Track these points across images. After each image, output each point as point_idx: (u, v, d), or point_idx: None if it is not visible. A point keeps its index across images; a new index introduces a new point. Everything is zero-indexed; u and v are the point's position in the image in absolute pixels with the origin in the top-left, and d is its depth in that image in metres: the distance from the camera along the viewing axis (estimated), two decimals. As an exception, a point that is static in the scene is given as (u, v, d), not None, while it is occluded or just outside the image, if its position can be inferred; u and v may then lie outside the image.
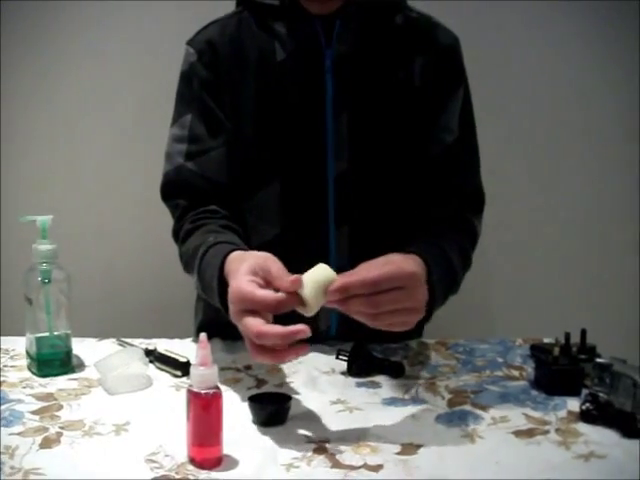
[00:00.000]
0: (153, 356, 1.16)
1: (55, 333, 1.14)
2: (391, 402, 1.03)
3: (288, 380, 1.11)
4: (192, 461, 0.85)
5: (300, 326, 0.88)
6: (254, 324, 0.90)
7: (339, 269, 1.15)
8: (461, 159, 1.29)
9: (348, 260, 1.21)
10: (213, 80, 1.25)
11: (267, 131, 1.23)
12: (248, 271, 0.94)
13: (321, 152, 1.22)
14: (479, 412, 0.99)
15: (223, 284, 1.03)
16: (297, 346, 0.90)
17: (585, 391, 1.00)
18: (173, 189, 1.27)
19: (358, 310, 0.93)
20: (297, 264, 0.99)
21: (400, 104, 1.24)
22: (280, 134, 1.23)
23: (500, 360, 1.20)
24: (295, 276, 0.92)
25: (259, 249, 1.06)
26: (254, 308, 0.91)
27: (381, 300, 0.92)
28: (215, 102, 1.25)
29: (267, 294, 0.91)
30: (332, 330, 1.28)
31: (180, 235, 1.24)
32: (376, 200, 1.25)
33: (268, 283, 0.94)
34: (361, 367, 1.13)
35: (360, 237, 1.24)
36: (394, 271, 0.94)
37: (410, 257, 1.02)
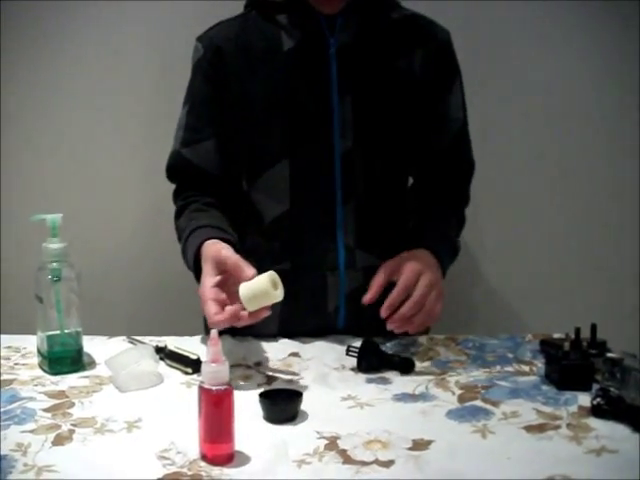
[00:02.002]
0: (163, 353, 1.17)
1: (66, 331, 1.15)
2: (401, 398, 1.03)
3: (298, 376, 1.12)
4: (204, 457, 0.85)
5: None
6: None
7: (346, 243, 1.29)
8: (463, 141, 1.40)
9: (354, 235, 1.29)
10: (216, 75, 1.30)
11: (276, 114, 1.28)
12: (208, 274, 1.09)
13: (328, 132, 1.27)
14: (490, 407, 0.99)
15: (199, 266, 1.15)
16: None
17: (596, 386, 1.00)
18: (171, 171, 1.37)
19: (414, 314, 1.13)
20: (306, 239, 1.27)
21: (400, 87, 1.30)
22: (289, 116, 1.28)
23: (510, 356, 1.20)
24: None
25: (270, 225, 1.30)
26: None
27: (421, 294, 1.13)
28: (217, 95, 1.30)
29: (210, 310, 1.05)
30: (340, 324, 1.29)
31: (175, 211, 1.35)
32: (380, 176, 1.32)
33: (226, 271, 1.09)
34: (371, 363, 1.13)
35: (366, 212, 1.29)
36: (414, 266, 1.16)
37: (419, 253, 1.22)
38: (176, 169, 1.35)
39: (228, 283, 1.08)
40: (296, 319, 1.29)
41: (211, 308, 1.04)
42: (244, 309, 1.04)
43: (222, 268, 1.09)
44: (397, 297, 1.13)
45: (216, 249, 1.11)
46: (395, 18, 1.32)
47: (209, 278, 1.08)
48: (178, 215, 1.33)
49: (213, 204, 1.30)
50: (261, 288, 1.03)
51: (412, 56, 1.30)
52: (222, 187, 1.34)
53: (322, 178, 1.28)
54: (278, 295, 1.04)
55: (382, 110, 1.29)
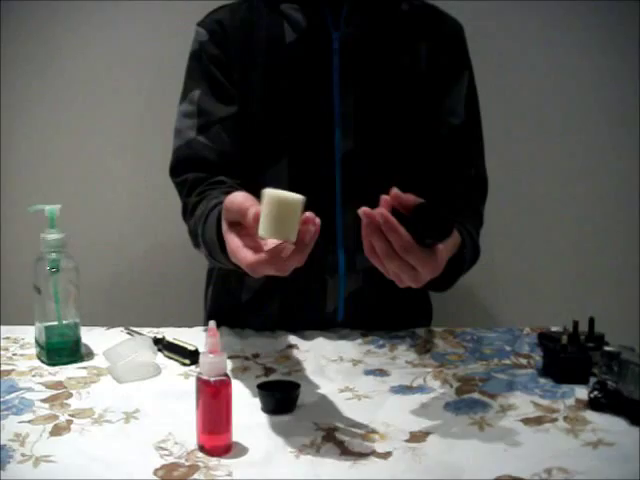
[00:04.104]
0: (161, 345, 1.17)
1: (64, 322, 1.15)
2: (399, 390, 1.04)
3: (296, 368, 1.12)
4: (202, 448, 0.85)
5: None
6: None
7: (346, 246, 1.20)
8: (466, 143, 1.31)
9: (355, 238, 1.22)
10: (223, 58, 1.26)
11: (276, 110, 1.25)
12: (228, 229, 0.93)
13: (328, 131, 1.24)
14: (487, 400, 0.99)
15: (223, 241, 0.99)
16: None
17: (593, 379, 1.00)
18: (184, 164, 1.26)
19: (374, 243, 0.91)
20: None
21: (405, 86, 1.26)
22: (288, 114, 1.24)
23: (508, 348, 1.20)
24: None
25: None
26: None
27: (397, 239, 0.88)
28: (224, 77, 1.26)
29: (246, 256, 0.88)
30: (339, 315, 1.29)
31: (188, 210, 1.23)
32: (382, 179, 1.24)
33: (238, 223, 0.91)
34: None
35: None
36: (431, 267, 0.92)
37: None
38: (191, 159, 1.25)
39: (252, 234, 0.89)
40: (294, 318, 1.29)
41: (244, 254, 0.87)
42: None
43: (231, 218, 0.92)
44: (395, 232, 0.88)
45: (225, 207, 0.94)
46: (403, 10, 1.28)
47: (228, 235, 0.92)
48: (192, 211, 1.20)
49: (233, 188, 1.16)
50: (275, 201, 0.83)
51: (418, 51, 1.26)
52: (244, 168, 1.26)
53: (322, 179, 1.25)
54: (299, 197, 0.85)
55: (386, 109, 1.25)
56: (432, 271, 0.93)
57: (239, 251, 0.89)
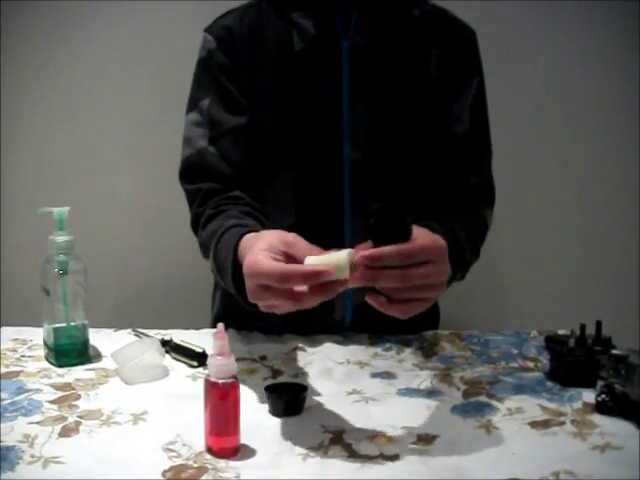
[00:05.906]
0: (169, 346, 1.17)
1: (72, 324, 1.15)
2: (406, 393, 1.04)
3: (303, 371, 1.12)
4: (209, 450, 0.85)
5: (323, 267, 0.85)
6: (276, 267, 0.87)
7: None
8: (470, 151, 1.29)
9: None
10: (231, 66, 1.26)
11: (284, 120, 1.24)
12: (264, 246, 0.91)
13: (337, 141, 1.23)
14: (494, 403, 0.99)
15: (237, 264, 1.00)
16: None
17: (600, 382, 1.00)
18: (195, 173, 1.26)
19: (386, 284, 0.87)
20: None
21: (415, 95, 1.25)
22: (296, 123, 1.24)
23: (515, 351, 1.20)
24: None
25: None
26: (263, 282, 0.87)
27: (413, 274, 0.86)
28: (234, 86, 1.26)
29: (274, 265, 0.87)
30: (346, 320, 1.29)
31: (201, 221, 1.22)
32: (391, 189, 1.25)
33: (290, 257, 0.90)
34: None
35: None
36: (429, 244, 0.88)
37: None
38: (203, 169, 1.24)
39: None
40: (301, 324, 1.28)
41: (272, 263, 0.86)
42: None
43: (283, 249, 0.90)
44: (388, 255, 0.85)
45: (279, 232, 0.94)
46: (414, 16, 1.26)
47: (263, 252, 0.89)
48: (207, 223, 1.20)
49: (250, 213, 1.17)
50: (335, 260, 0.87)
51: (427, 57, 1.25)
52: (255, 181, 1.25)
53: (330, 190, 1.24)
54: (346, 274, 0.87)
55: (395, 118, 1.24)
56: (446, 271, 0.91)
57: (266, 261, 0.87)
